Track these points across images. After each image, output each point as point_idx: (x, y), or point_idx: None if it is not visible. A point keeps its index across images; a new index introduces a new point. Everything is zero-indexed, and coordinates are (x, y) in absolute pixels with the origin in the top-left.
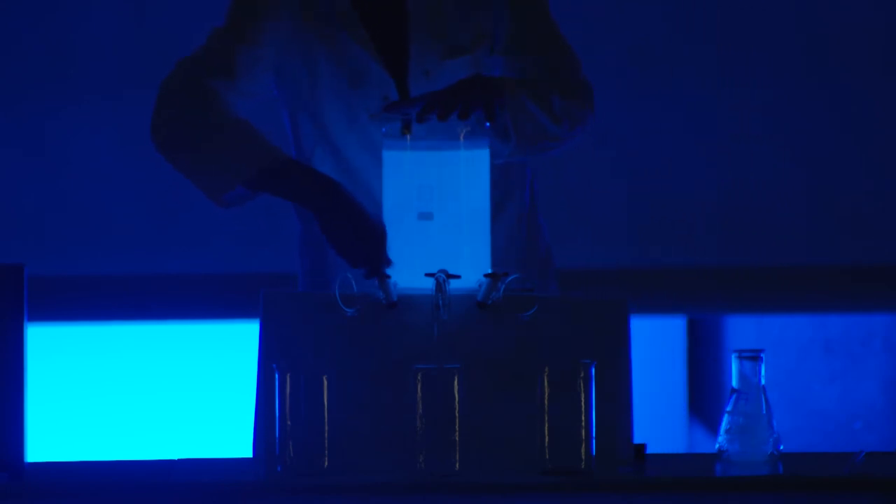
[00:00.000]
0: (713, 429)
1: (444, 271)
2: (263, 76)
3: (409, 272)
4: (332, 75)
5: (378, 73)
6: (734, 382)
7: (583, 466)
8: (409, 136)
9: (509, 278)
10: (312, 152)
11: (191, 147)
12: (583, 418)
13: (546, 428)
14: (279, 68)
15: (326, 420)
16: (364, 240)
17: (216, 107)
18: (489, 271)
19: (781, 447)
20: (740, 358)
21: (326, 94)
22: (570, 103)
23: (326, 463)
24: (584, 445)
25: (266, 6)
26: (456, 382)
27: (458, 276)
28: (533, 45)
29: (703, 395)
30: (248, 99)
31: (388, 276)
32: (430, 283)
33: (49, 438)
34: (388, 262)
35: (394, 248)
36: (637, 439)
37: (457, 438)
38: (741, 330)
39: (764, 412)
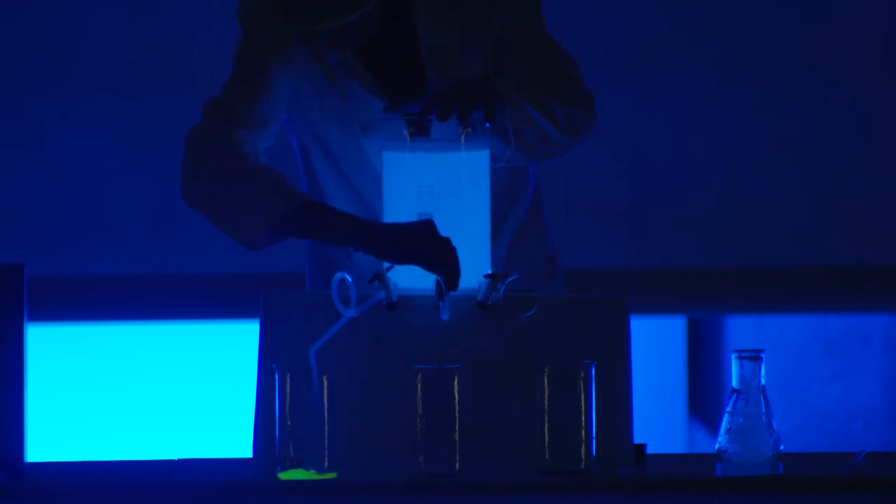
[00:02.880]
0: (713, 429)
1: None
2: (280, 118)
3: (409, 272)
4: (342, 121)
5: (389, 118)
6: (734, 383)
7: (583, 466)
8: (408, 138)
9: (509, 279)
10: (325, 182)
11: (219, 196)
12: (583, 418)
13: (546, 428)
14: (291, 109)
15: (326, 420)
16: (433, 248)
17: (242, 156)
18: (489, 271)
19: (781, 447)
20: (740, 358)
21: (338, 137)
22: (571, 110)
23: (326, 463)
24: (584, 445)
25: (276, 54)
26: (456, 382)
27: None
28: (534, 55)
29: (703, 395)
30: (268, 140)
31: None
32: (430, 283)
33: (49, 438)
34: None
35: None
36: (637, 439)
37: (457, 438)
38: (741, 330)
39: (764, 412)
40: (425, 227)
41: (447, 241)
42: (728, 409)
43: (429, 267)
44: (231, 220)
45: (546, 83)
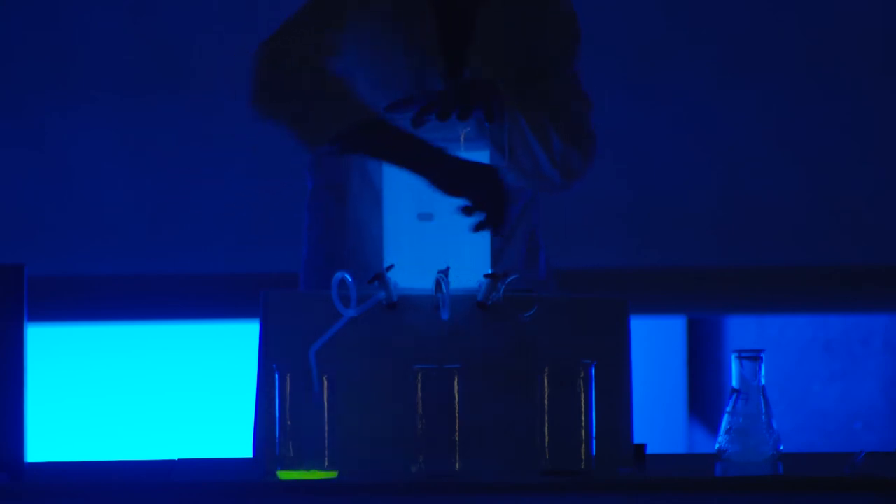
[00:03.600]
0: (713, 429)
1: (443, 271)
2: (344, 56)
3: (409, 272)
4: (398, 86)
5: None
6: (734, 383)
7: (583, 466)
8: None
9: (509, 278)
10: None
11: (292, 94)
12: (583, 418)
13: (546, 428)
14: (349, 59)
15: (326, 420)
16: (478, 182)
17: (319, 60)
18: (489, 271)
19: (781, 447)
20: (740, 358)
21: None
22: (568, 149)
23: (326, 463)
24: (584, 445)
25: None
26: (456, 382)
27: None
28: (550, 85)
29: (703, 395)
30: (335, 68)
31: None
32: (430, 283)
33: (49, 438)
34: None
35: (394, 248)
36: (637, 439)
37: (457, 438)
38: (741, 330)
39: (764, 412)
40: (487, 169)
41: (505, 187)
42: (728, 409)
43: (478, 205)
44: (302, 120)
45: (550, 113)
